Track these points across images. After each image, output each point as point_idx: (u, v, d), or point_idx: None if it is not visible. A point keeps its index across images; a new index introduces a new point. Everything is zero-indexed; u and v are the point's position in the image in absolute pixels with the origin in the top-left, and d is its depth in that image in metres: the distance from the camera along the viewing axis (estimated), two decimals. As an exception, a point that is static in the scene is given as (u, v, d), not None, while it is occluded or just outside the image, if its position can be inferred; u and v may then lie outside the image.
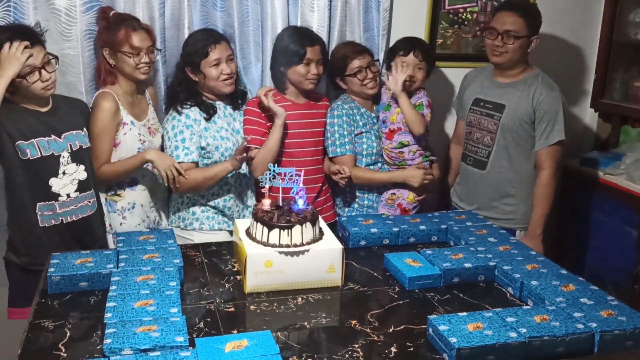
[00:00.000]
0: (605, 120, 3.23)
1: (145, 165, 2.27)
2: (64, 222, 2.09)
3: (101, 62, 2.27)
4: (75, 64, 2.37)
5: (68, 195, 2.08)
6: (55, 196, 2.05)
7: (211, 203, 2.37)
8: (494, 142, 2.51)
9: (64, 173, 2.06)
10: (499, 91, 2.53)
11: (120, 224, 2.29)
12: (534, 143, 2.47)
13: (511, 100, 2.48)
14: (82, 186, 2.11)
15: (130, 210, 2.29)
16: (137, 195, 2.30)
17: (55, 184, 2.05)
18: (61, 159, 2.05)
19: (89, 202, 2.14)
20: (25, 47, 1.95)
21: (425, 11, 2.90)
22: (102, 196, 2.28)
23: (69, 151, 2.07)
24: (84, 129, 2.15)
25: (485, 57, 2.56)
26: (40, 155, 2.01)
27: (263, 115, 2.40)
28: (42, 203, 2.04)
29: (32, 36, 2.00)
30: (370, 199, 2.59)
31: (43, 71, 1.99)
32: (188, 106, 2.31)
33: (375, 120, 2.61)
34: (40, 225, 2.05)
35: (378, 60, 2.65)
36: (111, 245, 2.29)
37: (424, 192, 2.57)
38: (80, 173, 2.10)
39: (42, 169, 2.03)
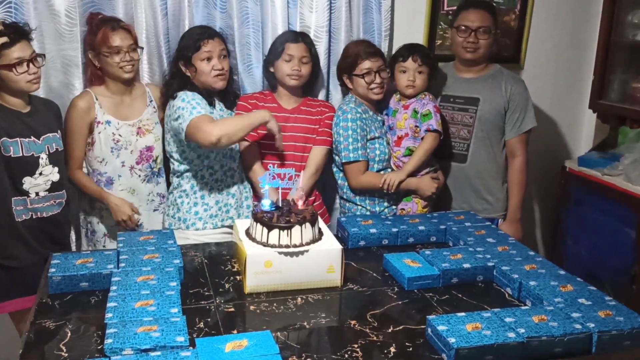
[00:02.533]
0: (604, 121, 3.24)
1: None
2: (34, 217, 2.12)
3: (88, 65, 2.32)
4: (74, 64, 2.39)
5: (37, 194, 2.11)
6: (26, 193, 2.09)
7: (212, 200, 2.35)
8: (472, 135, 2.61)
9: (40, 174, 2.09)
10: (467, 86, 2.63)
11: (97, 222, 2.33)
12: (504, 132, 2.62)
13: (484, 93, 2.60)
14: (53, 187, 2.15)
15: (107, 209, 2.31)
16: (116, 195, 2.31)
17: (28, 182, 2.08)
18: (40, 160, 2.09)
19: (55, 202, 2.17)
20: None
21: (424, 12, 2.91)
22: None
23: (47, 153, 2.11)
24: (59, 131, 2.19)
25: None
26: (21, 155, 2.05)
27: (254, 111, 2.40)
28: (15, 198, 2.08)
29: (19, 31, 2.03)
30: (382, 204, 2.54)
31: (31, 64, 2.02)
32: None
33: (381, 124, 2.59)
34: (16, 219, 2.08)
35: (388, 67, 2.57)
36: (74, 246, 2.38)
37: (431, 200, 2.57)
38: (55, 175, 2.14)
39: (20, 167, 2.06)
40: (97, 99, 2.28)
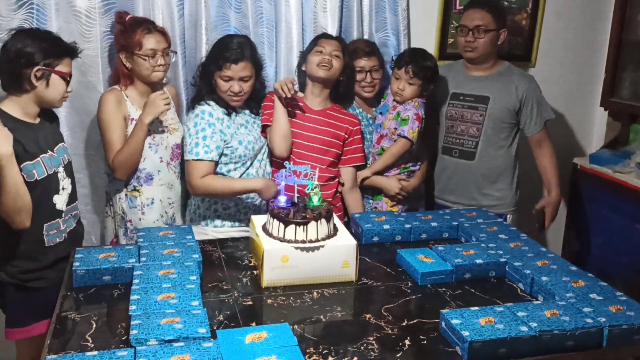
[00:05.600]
0: (615, 118, 3.25)
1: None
2: (65, 235, 2.05)
3: (118, 66, 2.29)
4: (94, 64, 2.43)
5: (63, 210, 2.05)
6: (60, 213, 2.01)
7: (232, 202, 2.38)
8: (481, 132, 2.63)
9: (62, 188, 2.03)
10: (476, 84, 2.65)
11: (140, 219, 2.33)
12: (515, 129, 2.65)
13: (493, 91, 2.61)
14: (70, 198, 2.08)
15: (149, 205, 2.33)
16: (155, 190, 2.34)
17: (58, 200, 2.01)
18: (59, 175, 2.02)
19: (71, 214, 2.10)
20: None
21: (436, 11, 2.93)
22: (123, 192, 2.32)
23: (63, 165, 2.05)
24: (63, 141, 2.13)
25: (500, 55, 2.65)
26: (46, 175, 1.94)
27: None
28: (48, 223, 1.98)
29: (68, 49, 1.99)
30: (367, 196, 2.62)
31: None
32: (209, 104, 2.33)
33: (371, 122, 2.64)
34: (47, 245, 1.98)
35: (383, 67, 2.63)
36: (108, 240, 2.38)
37: (398, 202, 2.60)
38: (70, 186, 2.09)
39: (48, 187, 1.97)
40: (127, 97, 2.28)
